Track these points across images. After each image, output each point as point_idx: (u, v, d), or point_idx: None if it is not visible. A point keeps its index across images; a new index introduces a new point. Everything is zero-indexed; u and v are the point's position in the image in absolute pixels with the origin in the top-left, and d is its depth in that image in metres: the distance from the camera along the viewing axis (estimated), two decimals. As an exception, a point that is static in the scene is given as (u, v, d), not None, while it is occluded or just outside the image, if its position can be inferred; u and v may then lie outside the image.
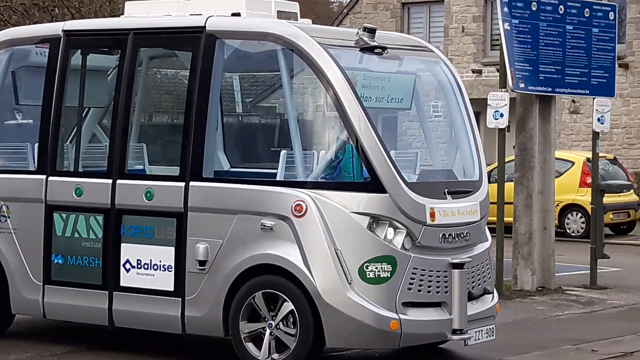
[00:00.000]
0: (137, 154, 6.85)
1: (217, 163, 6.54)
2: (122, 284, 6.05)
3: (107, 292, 6.09)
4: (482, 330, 5.76)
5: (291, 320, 5.36)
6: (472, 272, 5.79)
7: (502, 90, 10.12)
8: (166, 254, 5.87)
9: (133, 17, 6.74)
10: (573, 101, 23.23)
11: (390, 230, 5.37)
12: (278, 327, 5.41)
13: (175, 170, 6.12)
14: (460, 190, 5.94)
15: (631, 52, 24.43)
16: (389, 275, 5.27)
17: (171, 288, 5.84)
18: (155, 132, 7.74)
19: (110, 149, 6.38)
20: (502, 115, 10.13)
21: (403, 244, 5.37)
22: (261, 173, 6.42)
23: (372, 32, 5.72)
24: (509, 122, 10.45)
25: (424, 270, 5.43)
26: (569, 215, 18.05)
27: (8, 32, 7.59)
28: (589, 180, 14.88)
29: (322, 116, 6.18)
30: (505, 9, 9.83)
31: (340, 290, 5.21)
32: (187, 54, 6.37)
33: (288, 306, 5.34)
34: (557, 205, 14.86)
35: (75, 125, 6.92)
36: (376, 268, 5.26)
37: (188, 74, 6.29)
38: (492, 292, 6.19)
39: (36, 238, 6.41)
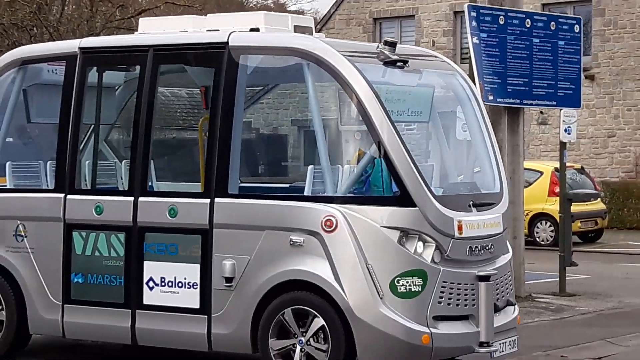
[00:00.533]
0: (160, 170, 6.79)
1: (242, 180, 6.43)
2: (145, 302, 5.98)
3: (129, 310, 6.01)
4: (505, 342, 5.74)
5: (322, 336, 5.34)
6: (497, 284, 5.78)
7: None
8: (191, 271, 5.80)
9: (150, 33, 6.65)
10: (541, 112, 23.44)
11: (420, 244, 5.34)
12: (309, 343, 5.39)
13: (199, 187, 6.10)
14: (484, 203, 5.90)
15: (597, 63, 24.83)
16: (420, 289, 5.28)
17: (197, 305, 5.78)
18: (178, 149, 7.62)
19: (131, 167, 6.26)
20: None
21: (433, 257, 5.35)
22: (289, 188, 6.48)
23: (393, 45, 5.69)
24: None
25: (453, 283, 5.44)
26: (538, 224, 18.34)
27: (20, 51, 7.51)
28: (557, 190, 14.91)
29: (350, 130, 6.02)
30: (474, 23, 9.90)
31: (372, 305, 5.18)
32: (209, 70, 6.19)
33: (319, 322, 5.33)
34: (527, 214, 14.84)
35: (93, 143, 6.82)
36: (407, 282, 5.27)
37: (211, 90, 6.12)
38: (514, 304, 6.17)
39: (55, 257, 6.27)
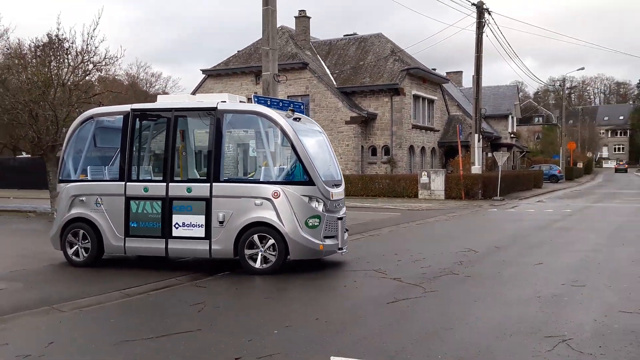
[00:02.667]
0: (182, 169, 10.93)
1: (226, 174, 10.50)
2: (173, 235, 10.24)
3: (164, 239, 10.27)
4: (346, 247, 11.00)
5: (272, 248, 9.87)
6: (344, 221, 10.80)
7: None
8: (200, 219, 10.10)
9: (169, 101, 11.75)
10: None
11: (316, 203, 10.08)
12: (265, 251, 9.89)
13: (204, 178, 10.50)
14: (337, 184, 10.87)
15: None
16: (318, 223, 10.06)
17: (203, 235, 10.10)
18: (191, 160, 11.34)
19: (164, 168, 10.56)
20: None
21: (322, 209, 10.14)
22: (253, 178, 10.66)
23: (293, 112, 10.89)
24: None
25: (330, 221, 10.28)
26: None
27: (92, 111, 11.61)
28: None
29: (282, 149, 10.42)
30: (256, 102, 12.94)
31: (297, 232, 9.80)
32: (207, 120, 10.54)
33: (271, 241, 9.85)
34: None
35: (140, 157, 10.96)
36: (312, 221, 10.02)
37: (209, 132, 10.45)
38: (347, 230, 11.34)
39: (119, 214, 10.44)
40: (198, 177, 10.86)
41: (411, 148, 38.91)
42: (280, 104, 16.75)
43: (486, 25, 30.86)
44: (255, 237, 9.85)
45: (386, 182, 33.18)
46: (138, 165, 10.84)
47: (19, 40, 32.08)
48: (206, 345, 6.12)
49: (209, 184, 10.13)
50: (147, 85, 71.69)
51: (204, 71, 41.82)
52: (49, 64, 20.88)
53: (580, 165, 73.91)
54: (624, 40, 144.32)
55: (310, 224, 9.95)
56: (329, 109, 37.21)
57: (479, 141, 32.49)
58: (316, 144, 10.87)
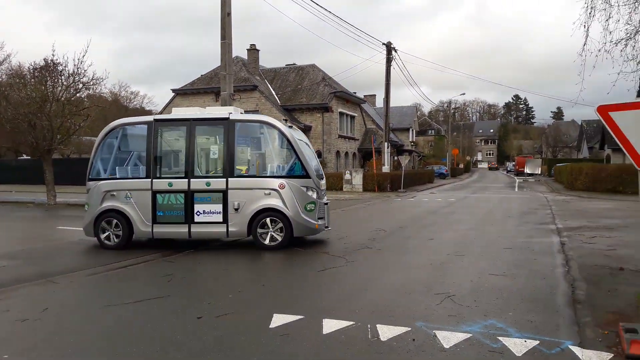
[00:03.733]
0: (199, 167, 10.39)
1: (235, 171, 10.19)
2: (195, 220, 9.96)
3: (187, 224, 9.97)
4: (330, 227, 11.36)
5: (280, 229, 9.91)
6: (328, 205, 10.98)
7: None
8: (218, 207, 9.94)
9: (183, 112, 10.95)
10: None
11: (311, 191, 10.19)
12: (274, 232, 9.94)
13: (220, 174, 10.17)
14: (321, 177, 10.80)
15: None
16: (313, 208, 10.19)
17: (221, 220, 9.94)
18: (208, 160, 10.77)
19: (185, 167, 10.19)
20: None
21: (316, 196, 10.26)
22: (259, 175, 10.29)
23: (287, 120, 10.99)
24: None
25: (321, 206, 10.46)
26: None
27: (120, 121, 10.99)
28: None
29: (284, 151, 10.38)
30: None
31: (299, 215, 9.93)
32: (220, 128, 10.38)
33: (279, 223, 9.91)
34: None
35: (163, 158, 10.58)
36: (310, 206, 10.13)
37: (222, 137, 10.28)
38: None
39: (147, 205, 10.10)
40: (215, 173, 10.36)
41: (338, 153, 39.14)
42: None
43: (393, 60, 31.38)
44: (268, 220, 9.86)
45: (318, 178, 33.06)
46: (162, 165, 10.50)
47: (19, 63, 30.69)
48: (174, 307, 5.97)
49: (225, 179, 9.97)
50: (127, 102, 69.42)
51: (173, 90, 40.63)
52: (45, 83, 20.10)
53: (461, 166, 76.38)
54: (492, 73, 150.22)
55: (308, 208, 10.08)
56: (273, 122, 36.83)
57: (388, 148, 33.05)
58: (305, 145, 10.73)
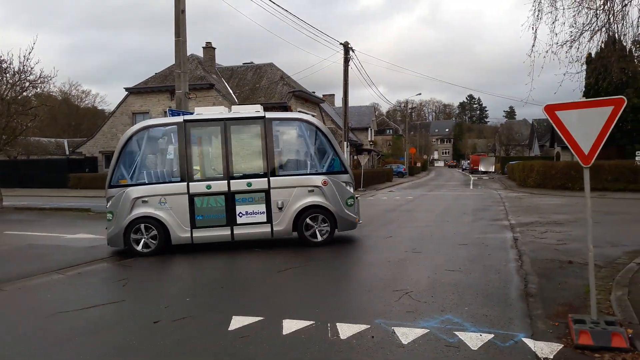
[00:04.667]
0: (237, 168, 10.00)
1: (278, 170, 10.08)
2: (238, 222, 9.78)
3: (230, 226, 9.78)
4: (362, 222, 11.61)
5: (324, 224, 10.05)
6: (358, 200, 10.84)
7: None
8: (261, 207, 9.81)
9: (207, 112, 10.50)
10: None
11: (350, 186, 10.28)
12: (319, 227, 10.06)
13: (261, 174, 9.93)
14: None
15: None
16: (353, 202, 10.29)
17: (265, 220, 9.84)
18: (245, 159, 10.37)
19: (224, 167, 9.87)
20: None
21: (353, 191, 10.34)
22: (300, 173, 10.23)
23: (315, 116, 11.00)
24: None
25: (358, 200, 10.71)
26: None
27: (145, 122, 10.38)
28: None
29: (322, 147, 10.38)
30: (170, 114, 13.35)
31: (341, 209, 10.06)
32: (257, 127, 10.11)
33: (323, 219, 10.05)
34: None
35: (197, 160, 10.10)
36: (350, 200, 10.21)
37: (260, 136, 10.03)
38: None
39: (184, 210, 9.64)
40: (254, 173, 9.97)
41: (296, 152, 39.17)
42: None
43: (351, 60, 31.64)
44: (311, 217, 9.94)
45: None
46: (198, 166, 10.08)
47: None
48: (130, 312, 5.83)
49: (266, 178, 9.82)
50: (79, 101, 67.06)
51: (127, 89, 39.53)
52: (-13, 81, 19.17)
53: (419, 164, 77.83)
54: (447, 74, 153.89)
55: (349, 203, 10.16)
56: (231, 121, 36.58)
57: (347, 147, 33.29)
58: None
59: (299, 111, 39.25)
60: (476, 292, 6.39)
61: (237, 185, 9.76)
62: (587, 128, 4.89)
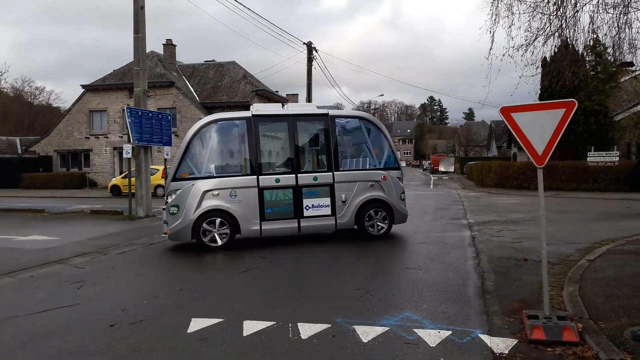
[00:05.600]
0: (304, 162, 10.64)
1: (341, 165, 10.51)
2: (304, 215, 10.09)
3: (297, 219, 10.06)
4: None
5: (383, 217, 10.63)
6: None
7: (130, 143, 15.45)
8: (326, 200, 10.21)
9: (266, 108, 10.62)
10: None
11: (401, 182, 10.89)
12: (378, 221, 10.60)
13: (325, 169, 10.42)
14: None
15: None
16: (405, 197, 11.05)
17: (330, 213, 10.24)
18: (311, 155, 11.06)
19: (292, 162, 10.19)
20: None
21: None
22: (361, 168, 10.77)
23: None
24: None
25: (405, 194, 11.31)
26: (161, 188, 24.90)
27: (213, 116, 10.29)
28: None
29: (380, 144, 11.04)
30: (128, 114, 15.31)
31: (398, 203, 10.76)
32: (321, 124, 10.63)
33: (383, 213, 10.63)
34: (154, 184, 22.88)
35: (266, 154, 10.77)
36: (403, 195, 10.95)
37: (324, 132, 10.56)
38: None
39: (254, 202, 9.84)
40: (319, 168, 10.53)
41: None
42: (150, 115, 16.15)
43: (314, 60, 31.68)
44: (372, 211, 10.50)
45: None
46: (267, 161, 10.54)
47: None
48: (85, 316, 5.64)
49: (331, 173, 10.25)
50: (32, 97, 64.61)
51: (83, 86, 38.34)
52: None
53: (382, 164, 78.53)
54: (409, 76, 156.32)
55: (402, 198, 10.89)
56: (193, 120, 35.96)
57: (310, 146, 33.28)
58: None
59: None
60: (435, 289, 6.52)
61: (304, 179, 10.09)
62: (540, 129, 5.06)
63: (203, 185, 9.64)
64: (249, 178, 9.85)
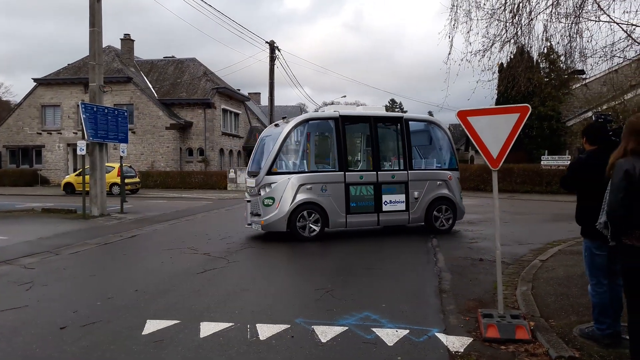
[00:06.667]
0: (383, 161, 11.52)
1: (413, 164, 11.59)
2: (383, 210, 11.04)
3: (376, 213, 11.01)
4: None
5: (449, 214, 11.70)
6: None
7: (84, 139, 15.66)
8: (401, 197, 11.21)
9: (367, 110, 12.03)
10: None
11: (459, 182, 12.01)
12: (444, 216, 11.65)
13: (401, 167, 11.39)
14: None
15: (133, 126, 31.83)
16: (462, 196, 12.11)
17: (404, 209, 11.26)
18: (389, 155, 12.04)
19: (374, 160, 11.23)
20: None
21: None
22: (431, 168, 11.91)
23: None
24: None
25: None
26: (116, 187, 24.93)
27: (306, 115, 11.42)
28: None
29: (446, 146, 12.15)
30: (83, 109, 15.38)
31: (461, 202, 11.96)
32: (396, 126, 11.63)
33: (449, 210, 11.70)
34: (109, 182, 21.78)
35: (351, 152, 11.84)
36: (461, 194, 12.05)
37: (399, 134, 11.50)
38: None
39: (341, 197, 10.72)
40: (395, 166, 11.54)
41: (221, 150, 38.40)
42: (106, 111, 15.72)
43: (277, 59, 31.56)
44: (440, 207, 11.57)
45: (201, 177, 32.44)
46: (352, 158, 11.44)
47: None
48: (33, 318, 5.42)
49: (406, 172, 11.29)
50: (-21, 90, 61.61)
51: (35, 80, 36.91)
52: None
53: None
54: (370, 78, 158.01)
55: (461, 197, 12.08)
56: (151, 117, 35.27)
57: (271, 146, 33.13)
58: None
59: (223, 108, 38.61)
60: (394, 289, 6.60)
61: (384, 176, 11.09)
62: (495, 133, 5.20)
63: (299, 179, 10.51)
64: (337, 174, 10.78)
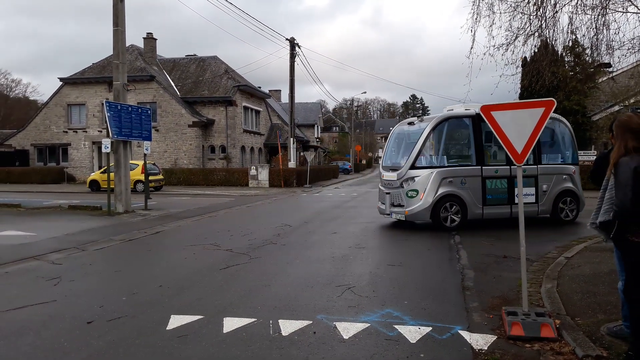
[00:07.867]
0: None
1: (542, 159, 12.17)
2: (515, 202, 11.24)
3: (509, 205, 11.43)
4: None
5: (573, 205, 12.31)
6: None
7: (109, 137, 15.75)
8: (531, 190, 11.72)
9: (461, 109, 11.95)
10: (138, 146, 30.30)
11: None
12: (568, 208, 12.33)
13: (532, 162, 11.79)
14: None
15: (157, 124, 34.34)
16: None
17: (534, 201, 11.81)
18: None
19: (506, 155, 10.98)
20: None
21: None
22: (557, 162, 12.34)
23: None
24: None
25: None
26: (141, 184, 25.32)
27: (448, 114, 11.76)
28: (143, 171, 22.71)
29: (569, 143, 12.56)
30: (107, 107, 15.52)
31: (582, 195, 12.48)
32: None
33: (573, 201, 12.22)
34: (133, 179, 23.25)
35: (487, 148, 11.75)
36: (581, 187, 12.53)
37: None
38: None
39: (478, 190, 11.34)
40: (527, 161, 11.23)
41: (243, 147, 38.68)
42: (130, 109, 15.93)
43: (297, 56, 31.58)
44: (565, 199, 12.12)
45: (223, 174, 32.69)
46: (487, 154, 11.76)
47: None
48: (61, 313, 5.54)
49: (536, 166, 11.88)
50: (8, 90, 63.26)
51: (61, 79, 37.66)
52: None
53: (364, 162, 79.03)
54: (390, 74, 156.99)
55: (581, 189, 12.61)
56: (174, 115, 35.67)
57: (293, 143, 33.27)
58: None
59: (244, 106, 38.82)
60: (416, 286, 6.55)
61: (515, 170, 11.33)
62: (520, 128, 5.12)
63: (442, 173, 11.22)
64: (475, 168, 11.44)
